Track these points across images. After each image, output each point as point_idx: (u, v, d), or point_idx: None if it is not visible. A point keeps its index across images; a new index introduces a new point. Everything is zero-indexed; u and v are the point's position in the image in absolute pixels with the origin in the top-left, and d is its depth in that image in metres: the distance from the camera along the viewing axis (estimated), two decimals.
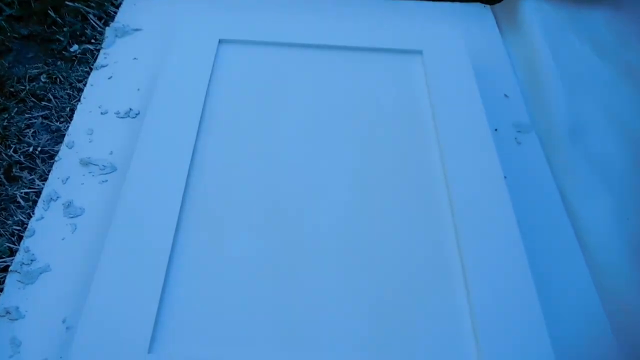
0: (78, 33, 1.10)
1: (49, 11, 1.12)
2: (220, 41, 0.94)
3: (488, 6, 1.20)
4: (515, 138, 0.95)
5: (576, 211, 0.85)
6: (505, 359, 0.61)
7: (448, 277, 0.69)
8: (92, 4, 1.15)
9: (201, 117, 0.83)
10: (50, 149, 0.90)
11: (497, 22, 1.17)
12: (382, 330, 0.64)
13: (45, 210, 0.81)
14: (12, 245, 0.77)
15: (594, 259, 0.80)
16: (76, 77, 1.02)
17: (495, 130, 0.94)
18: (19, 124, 0.93)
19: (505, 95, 1.01)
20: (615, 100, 1.01)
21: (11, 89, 0.99)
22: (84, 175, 0.86)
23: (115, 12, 1.14)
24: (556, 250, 0.81)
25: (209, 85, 0.87)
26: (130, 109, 0.95)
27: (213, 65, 0.90)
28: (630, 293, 0.76)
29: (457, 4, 1.20)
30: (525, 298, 0.66)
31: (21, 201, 0.82)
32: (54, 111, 0.96)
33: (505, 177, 0.82)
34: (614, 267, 0.78)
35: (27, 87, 0.99)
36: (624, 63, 1.07)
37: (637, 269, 0.78)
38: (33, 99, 0.98)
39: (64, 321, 0.69)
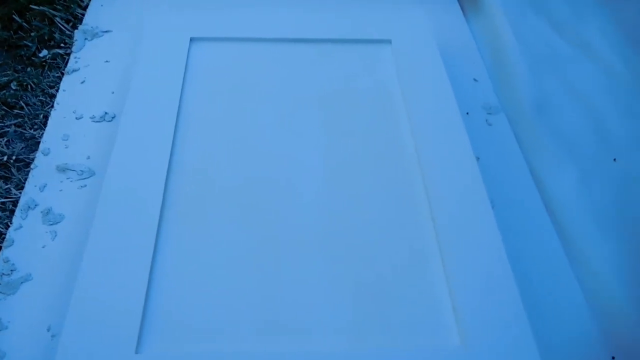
0: (46, 37, 1.09)
1: (14, 16, 1.11)
2: (191, 39, 0.94)
3: None
4: (486, 120, 0.97)
5: (544, 184, 0.88)
6: (483, 328, 0.64)
7: (426, 256, 0.71)
8: (59, 7, 1.13)
9: (177, 116, 0.83)
10: (25, 157, 0.90)
11: (461, 7, 1.19)
12: (364, 314, 0.65)
13: (24, 219, 0.80)
14: None
15: (564, 229, 0.83)
16: (48, 83, 1.01)
17: (467, 113, 0.96)
18: None
19: (474, 79, 1.03)
20: (575, 75, 1.04)
21: None
22: (61, 181, 0.85)
23: (83, 14, 1.12)
24: (528, 224, 0.84)
25: (183, 83, 0.88)
26: (106, 113, 0.94)
27: (186, 64, 0.90)
28: (596, 257, 0.80)
29: None
30: (500, 271, 0.69)
31: None
32: (27, 119, 0.95)
33: (478, 158, 0.84)
34: (583, 236, 0.82)
35: None
36: (581, 39, 1.10)
37: (604, 237, 0.81)
38: (4, 108, 0.97)
39: (48, 329, 0.69)
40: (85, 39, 1.07)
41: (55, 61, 1.05)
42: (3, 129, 0.94)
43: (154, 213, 0.72)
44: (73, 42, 1.06)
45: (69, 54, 1.05)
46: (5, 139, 0.92)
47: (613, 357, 0.72)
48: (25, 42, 1.08)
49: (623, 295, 0.76)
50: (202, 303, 0.65)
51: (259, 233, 0.72)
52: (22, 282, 0.74)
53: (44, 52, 1.06)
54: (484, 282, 0.68)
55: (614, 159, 0.91)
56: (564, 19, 1.15)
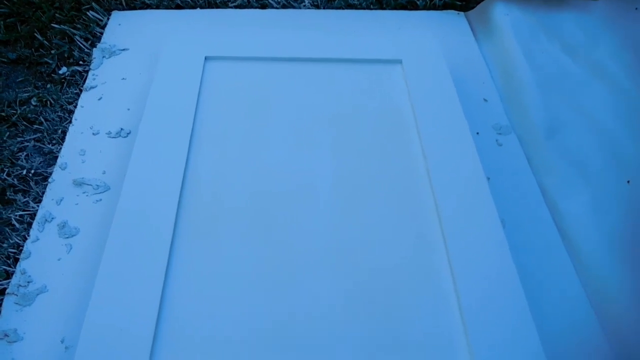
0: (66, 55, 1.12)
1: (36, 34, 1.14)
2: (206, 58, 0.96)
3: (462, 13, 1.24)
4: (496, 140, 0.98)
5: (557, 206, 0.88)
6: (494, 349, 0.64)
7: (436, 274, 0.71)
8: (78, 26, 1.17)
9: (192, 133, 0.85)
10: (43, 171, 0.92)
11: (471, 29, 1.20)
12: (375, 333, 0.66)
13: (40, 232, 0.82)
14: (8, 268, 0.78)
15: (576, 251, 0.83)
16: (66, 99, 1.04)
17: (477, 133, 0.97)
18: (11, 147, 0.95)
19: (485, 100, 1.04)
20: (587, 98, 1.04)
21: (2, 114, 1.00)
22: (78, 195, 0.87)
23: (101, 33, 1.16)
24: (540, 245, 0.84)
25: (197, 101, 0.90)
26: (122, 129, 0.96)
27: (200, 82, 0.93)
28: (612, 282, 0.79)
29: (432, 12, 1.24)
30: (511, 292, 0.69)
31: (16, 224, 0.84)
32: (45, 134, 0.98)
33: (488, 178, 0.85)
34: (596, 259, 0.81)
35: (18, 111, 1.00)
36: (593, 62, 1.11)
37: (618, 259, 0.81)
38: (24, 123, 1.00)
39: (62, 341, 0.70)
40: (103, 56, 1.10)
41: (74, 78, 1.08)
42: (23, 143, 0.97)
43: (167, 228, 0.73)
44: (91, 60, 1.09)
45: (87, 72, 1.08)
46: (25, 153, 0.95)
47: None
48: (45, 59, 1.11)
49: (638, 318, 0.75)
50: (215, 318, 0.66)
51: (272, 250, 0.73)
52: (37, 294, 0.75)
53: (64, 70, 1.10)
54: (494, 301, 0.68)
55: (628, 181, 0.91)
56: (575, 41, 1.15)
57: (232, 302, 0.67)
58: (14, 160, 0.93)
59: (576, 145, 0.96)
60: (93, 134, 0.96)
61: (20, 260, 0.78)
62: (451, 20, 1.21)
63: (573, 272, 0.81)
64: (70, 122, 0.98)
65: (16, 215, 0.85)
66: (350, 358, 0.64)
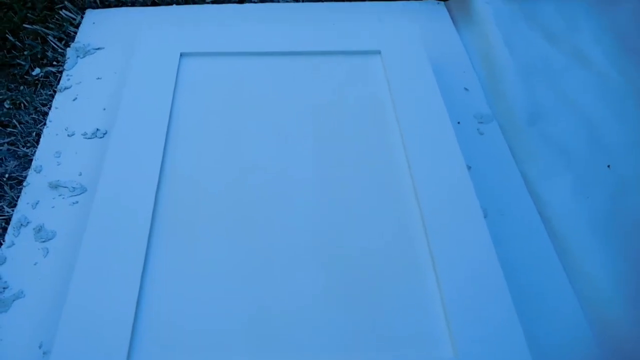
0: (39, 56, 1.10)
1: (8, 35, 1.12)
2: (181, 55, 0.95)
3: (442, 2, 1.23)
4: (478, 129, 0.97)
5: (538, 192, 0.88)
6: (476, 339, 0.63)
7: (418, 267, 0.70)
8: (51, 25, 1.14)
9: (167, 131, 0.84)
10: (18, 175, 0.90)
11: (451, 17, 1.19)
12: (356, 327, 0.65)
13: (16, 237, 0.80)
14: None
15: (559, 238, 0.83)
16: (40, 101, 1.01)
17: (458, 123, 0.96)
18: None
19: (465, 89, 1.03)
20: (568, 83, 1.04)
21: None
22: (54, 198, 0.85)
23: (75, 32, 1.13)
24: (523, 234, 0.83)
25: (173, 98, 0.88)
26: (97, 129, 0.94)
27: (176, 79, 0.91)
28: (592, 264, 0.79)
29: (412, 2, 1.22)
30: (494, 283, 0.68)
31: None
32: (20, 137, 0.95)
33: (469, 167, 0.84)
34: (577, 241, 0.81)
35: None
36: (573, 48, 1.11)
37: (599, 243, 0.81)
38: None
39: (40, 346, 0.69)
40: (78, 56, 1.08)
41: (48, 79, 1.06)
42: None
43: (144, 228, 0.72)
44: (65, 60, 1.07)
45: (61, 72, 1.05)
46: None
47: None
48: (18, 60, 1.09)
49: (619, 301, 0.75)
50: (193, 318, 0.65)
51: (251, 246, 0.72)
52: (14, 300, 0.73)
53: (37, 71, 1.07)
54: (477, 292, 0.67)
55: (608, 166, 0.91)
56: (556, 27, 1.15)
57: (210, 300, 0.66)
58: None
59: (558, 131, 0.96)
60: (68, 135, 0.94)
61: None
62: (431, 10, 1.20)
63: (556, 259, 0.81)
64: (45, 124, 0.96)
65: None
66: (330, 350, 0.63)
